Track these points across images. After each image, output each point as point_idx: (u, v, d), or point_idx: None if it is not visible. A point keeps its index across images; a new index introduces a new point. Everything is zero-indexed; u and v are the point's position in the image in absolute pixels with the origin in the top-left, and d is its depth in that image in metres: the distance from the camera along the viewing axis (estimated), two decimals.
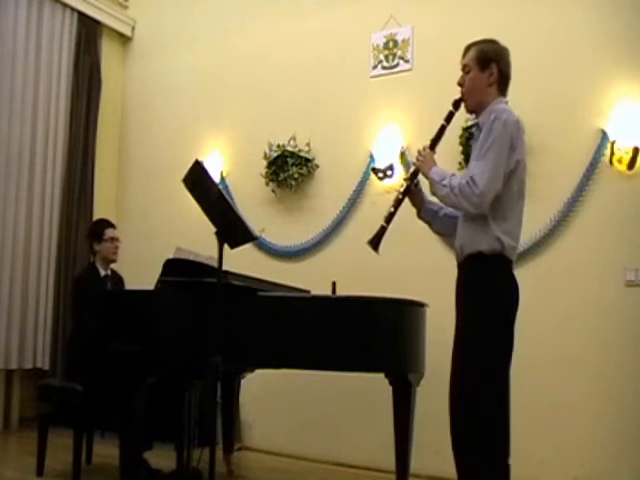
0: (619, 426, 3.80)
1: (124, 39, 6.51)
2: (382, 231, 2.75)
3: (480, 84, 2.68)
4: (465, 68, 2.71)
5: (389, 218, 2.76)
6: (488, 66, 2.67)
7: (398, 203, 2.77)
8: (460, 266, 2.72)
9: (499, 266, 2.59)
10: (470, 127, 3.73)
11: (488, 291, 2.57)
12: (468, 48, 2.74)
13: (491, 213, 2.56)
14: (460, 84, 2.74)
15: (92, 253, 4.35)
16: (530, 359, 3.74)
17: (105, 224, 4.36)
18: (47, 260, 5.55)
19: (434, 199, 2.82)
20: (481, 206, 2.52)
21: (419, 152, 2.76)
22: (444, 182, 2.60)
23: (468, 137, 2.78)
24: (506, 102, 2.72)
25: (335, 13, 5.18)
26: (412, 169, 2.81)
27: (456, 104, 2.75)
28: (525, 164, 2.66)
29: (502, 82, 2.72)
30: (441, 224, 2.91)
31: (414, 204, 2.90)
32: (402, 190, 2.79)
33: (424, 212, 2.91)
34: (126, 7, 6.49)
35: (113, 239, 4.29)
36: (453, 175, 2.64)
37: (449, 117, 2.77)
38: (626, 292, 3.87)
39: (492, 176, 2.50)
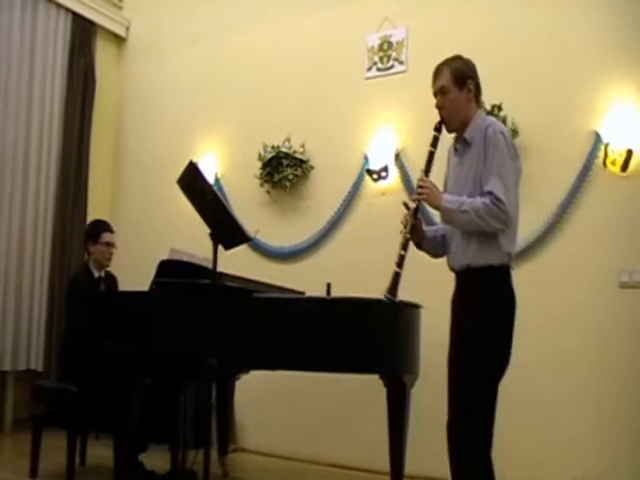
0: (616, 427, 3.81)
1: (119, 40, 6.50)
2: (397, 278, 2.61)
3: (461, 103, 2.68)
4: (443, 89, 2.69)
5: (400, 262, 2.61)
6: (465, 83, 2.68)
7: (406, 244, 2.66)
8: (463, 275, 2.68)
9: (504, 276, 2.63)
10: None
11: (496, 300, 2.59)
12: (439, 70, 2.73)
13: None
14: (439, 107, 2.72)
15: (86, 253, 4.31)
16: (525, 361, 3.73)
17: (104, 227, 4.29)
18: (41, 261, 5.54)
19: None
20: (508, 222, 2.53)
21: (420, 185, 2.65)
22: (463, 208, 2.53)
23: (455, 149, 2.75)
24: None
25: (330, 15, 5.19)
26: (414, 205, 2.69)
27: (439, 128, 2.72)
28: None
29: (478, 94, 2.75)
30: (439, 248, 2.86)
31: (414, 239, 2.76)
32: (408, 230, 2.67)
33: (426, 242, 2.84)
34: (120, 8, 6.47)
35: (109, 244, 4.23)
36: (467, 198, 2.58)
37: (434, 142, 2.71)
38: (620, 294, 3.88)
39: (511, 191, 2.53)
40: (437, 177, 2.75)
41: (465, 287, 2.69)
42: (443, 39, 4.52)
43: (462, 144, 2.72)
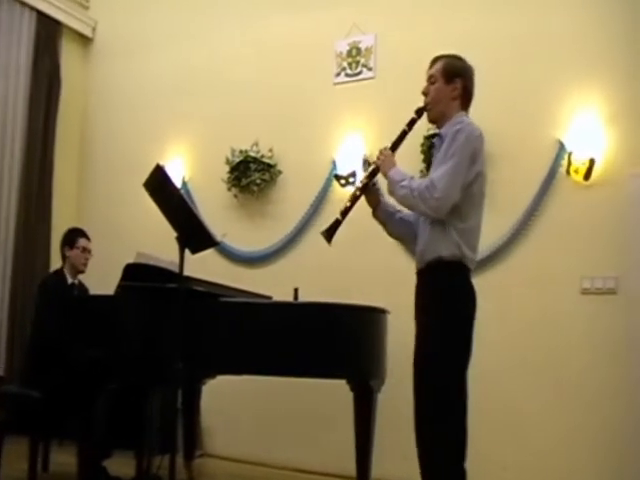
0: (580, 432, 3.87)
1: (85, 40, 6.41)
2: (337, 224, 2.78)
3: (444, 96, 2.74)
4: (431, 78, 2.76)
5: (345, 212, 2.78)
6: (453, 80, 2.74)
7: (355, 199, 2.79)
8: (420, 273, 2.73)
9: (459, 272, 2.64)
10: (432, 136, 3.78)
11: (449, 296, 2.60)
12: (435, 60, 2.80)
13: (450, 220, 2.60)
14: (425, 93, 2.79)
15: (62, 259, 4.31)
16: (489, 367, 3.79)
17: (80, 233, 4.35)
18: (3, 266, 5.43)
19: (392, 202, 2.86)
20: (439, 210, 2.56)
21: (380, 152, 2.80)
22: (403, 183, 2.64)
23: (430, 146, 2.80)
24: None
25: (299, 20, 5.20)
26: (371, 168, 2.83)
27: (419, 112, 2.78)
28: (485, 176, 2.71)
29: (465, 98, 2.79)
30: (396, 227, 2.92)
31: (370, 203, 2.90)
32: (360, 186, 2.82)
33: (379, 211, 2.91)
34: (87, 7, 6.39)
35: (85, 249, 4.28)
36: (413, 178, 2.68)
37: (411, 123, 2.80)
38: (582, 300, 3.96)
39: (451, 183, 2.55)
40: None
41: (421, 285, 2.73)
42: (411, 46, 4.57)
43: (438, 140, 2.78)
